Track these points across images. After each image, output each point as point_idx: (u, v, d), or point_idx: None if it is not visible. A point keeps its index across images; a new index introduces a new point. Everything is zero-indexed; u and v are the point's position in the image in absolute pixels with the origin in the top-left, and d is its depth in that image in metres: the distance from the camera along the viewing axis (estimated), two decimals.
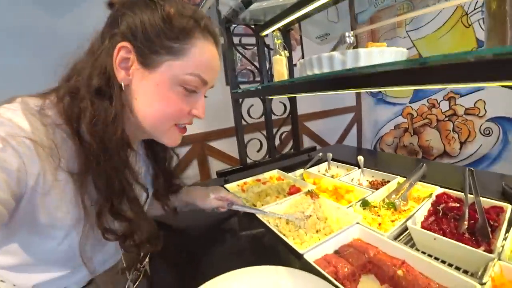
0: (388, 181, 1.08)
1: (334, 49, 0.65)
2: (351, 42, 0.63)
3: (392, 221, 0.79)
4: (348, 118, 3.03)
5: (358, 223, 0.76)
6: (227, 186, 1.13)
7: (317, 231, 0.75)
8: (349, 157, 1.36)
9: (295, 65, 0.75)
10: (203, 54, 0.52)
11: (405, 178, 1.00)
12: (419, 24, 2.36)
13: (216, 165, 2.17)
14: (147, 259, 0.73)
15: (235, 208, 0.88)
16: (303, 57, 2.67)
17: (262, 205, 0.93)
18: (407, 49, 0.63)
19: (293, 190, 1.00)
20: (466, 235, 0.67)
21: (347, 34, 0.63)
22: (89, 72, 0.49)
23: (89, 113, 0.47)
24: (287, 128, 1.48)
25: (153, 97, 0.51)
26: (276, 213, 0.85)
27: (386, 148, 2.89)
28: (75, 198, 0.48)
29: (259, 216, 0.87)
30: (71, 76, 0.52)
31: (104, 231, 0.50)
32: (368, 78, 0.53)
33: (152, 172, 0.72)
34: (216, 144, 2.15)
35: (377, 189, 1.01)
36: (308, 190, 0.96)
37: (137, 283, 0.67)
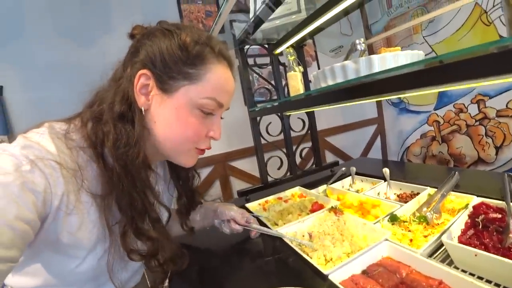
0: (418, 193, 1.01)
1: (346, 58, 0.64)
2: (362, 49, 0.61)
3: (425, 236, 0.73)
4: (370, 131, 2.95)
5: (387, 239, 0.71)
6: (249, 205, 1.11)
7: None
8: (374, 170, 1.30)
9: (311, 81, 0.75)
10: (218, 78, 0.54)
11: (436, 189, 0.94)
12: (436, 27, 2.30)
13: (238, 185, 2.16)
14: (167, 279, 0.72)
15: (250, 227, 0.87)
16: (318, 66, 2.67)
17: (284, 223, 0.90)
18: (427, 54, 0.61)
19: (316, 207, 0.96)
20: None
21: (357, 41, 0.62)
22: (112, 98, 0.53)
23: (112, 137, 0.49)
24: (307, 144, 1.45)
25: (172, 120, 0.53)
26: (285, 235, 0.83)
27: (413, 159, 2.76)
28: (97, 219, 0.50)
29: (281, 235, 0.83)
30: (94, 102, 0.55)
31: (129, 252, 0.52)
32: (383, 83, 0.51)
33: (174, 191, 0.75)
34: (237, 164, 2.15)
35: (406, 202, 0.95)
36: (332, 207, 0.92)
37: None
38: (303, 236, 0.81)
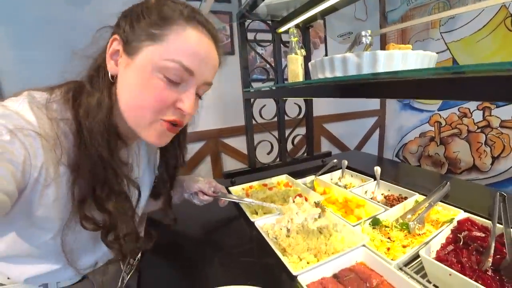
0: (406, 198, 0.99)
1: (349, 50, 0.58)
2: (368, 42, 0.55)
3: (404, 246, 0.72)
4: (370, 122, 2.89)
5: (364, 245, 0.69)
6: (232, 188, 1.08)
7: (315, 254, 0.69)
8: (366, 166, 1.27)
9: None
10: (185, 41, 0.50)
11: (424, 197, 0.91)
12: (456, 25, 2.18)
13: (229, 162, 2.14)
14: (138, 256, 0.73)
15: (220, 196, 0.87)
16: (325, 51, 2.56)
17: (265, 213, 0.88)
18: (440, 52, 0.55)
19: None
20: (489, 273, 0.58)
21: (363, 33, 0.55)
22: (90, 64, 0.53)
23: (84, 103, 0.49)
24: (301, 131, 1.41)
25: (134, 84, 0.50)
26: (255, 201, 0.84)
27: (409, 156, 2.74)
28: (68, 191, 0.48)
29: (258, 225, 0.81)
30: (80, 72, 0.54)
31: (83, 218, 0.50)
32: (386, 86, 0.46)
33: (161, 177, 0.74)
34: (230, 141, 2.11)
35: (391, 205, 0.93)
36: (315, 202, 0.90)
37: (129, 275, 0.68)
38: (281, 229, 0.78)
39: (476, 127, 2.11)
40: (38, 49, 1.47)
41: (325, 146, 2.62)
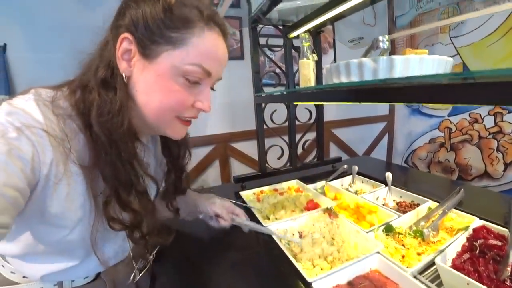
0: (418, 204, 0.98)
1: (365, 55, 0.58)
2: (386, 47, 0.55)
3: (419, 253, 0.71)
4: (379, 128, 2.88)
5: (378, 252, 0.69)
6: (243, 193, 1.08)
7: (326, 258, 0.69)
8: (376, 172, 1.26)
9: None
10: (204, 44, 0.50)
11: (437, 203, 0.90)
12: (465, 29, 2.16)
13: (237, 167, 2.14)
14: (154, 252, 0.72)
15: (237, 223, 0.83)
16: (335, 62, 2.56)
17: (276, 218, 0.88)
18: (450, 57, 0.55)
19: (311, 206, 0.93)
20: (508, 283, 0.57)
21: (380, 38, 0.56)
22: (97, 64, 0.51)
23: (96, 104, 0.48)
24: (311, 136, 1.41)
25: (154, 88, 0.50)
26: (274, 232, 0.80)
27: (418, 162, 2.71)
28: (85, 191, 0.49)
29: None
30: (84, 69, 0.53)
31: (110, 220, 0.51)
32: (403, 92, 0.46)
33: (165, 168, 0.73)
34: (239, 145, 2.12)
35: (404, 212, 0.92)
36: (327, 208, 0.89)
37: (142, 272, 0.67)
38: (293, 234, 0.78)
39: (488, 133, 2.08)
40: (52, 52, 1.50)
41: (334, 151, 2.61)
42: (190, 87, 0.52)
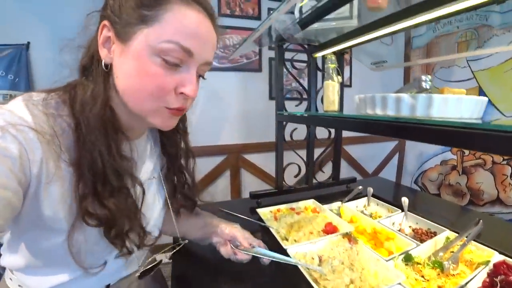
0: (435, 233, 0.98)
1: (401, 90, 0.59)
2: (428, 88, 0.56)
3: (439, 286, 0.71)
4: (390, 146, 2.88)
5: (400, 284, 0.69)
6: (260, 211, 1.09)
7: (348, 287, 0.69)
8: (391, 195, 1.26)
9: (356, 103, 0.70)
10: (182, 20, 0.46)
11: (455, 233, 0.90)
12: (483, 53, 2.17)
13: (248, 178, 2.15)
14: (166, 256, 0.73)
15: (259, 254, 0.72)
16: (350, 79, 2.58)
17: (295, 240, 0.88)
18: (467, 80, 0.56)
19: (329, 229, 0.93)
20: None
21: (423, 77, 0.56)
22: (83, 54, 0.52)
23: (79, 95, 0.48)
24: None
25: (131, 72, 0.48)
26: (298, 262, 0.75)
27: (428, 184, 2.69)
28: (73, 189, 0.47)
29: (290, 253, 0.82)
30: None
31: (85, 214, 0.48)
32: (443, 134, 0.47)
33: (166, 170, 0.70)
34: (251, 157, 2.14)
35: (421, 239, 0.92)
36: (346, 233, 0.90)
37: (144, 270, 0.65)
38: (313, 258, 0.79)
39: (502, 158, 2.07)
40: (72, 53, 1.54)
41: (344, 167, 2.61)
42: (170, 70, 0.48)
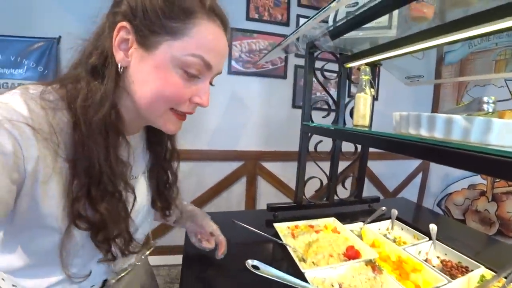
0: (467, 268, 0.89)
1: (455, 111, 0.52)
2: (491, 111, 0.49)
3: None
4: (413, 165, 2.75)
5: None
6: (277, 225, 1.03)
7: None
8: (416, 218, 1.18)
9: (395, 121, 0.64)
10: (206, 35, 0.48)
11: (491, 272, 0.81)
12: None
13: (264, 187, 2.10)
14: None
15: (275, 276, 0.67)
16: (377, 92, 2.49)
17: (313, 262, 0.82)
18: (504, 101, 0.48)
19: (351, 254, 0.86)
20: None
21: (485, 99, 0.49)
22: (90, 51, 0.49)
23: (83, 93, 0.46)
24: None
25: (151, 79, 0.48)
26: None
27: (453, 208, 2.54)
28: (68, 188, 0.46)
29: (308, 277, 0.75)
30: (78, 61, 0.51)
31: (76, 217, 0.47)
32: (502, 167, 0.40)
33: (150, 164, 0.69)
34: (268, 165, 2.08)
35: (451, 274, 0.84)
36: (371, 260, 0.82)
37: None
38: (332, 286, 0.72)
39: None
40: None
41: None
42: (188, 81, 0.49)
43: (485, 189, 2.31)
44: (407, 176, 2.73)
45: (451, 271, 0.90)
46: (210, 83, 0.55)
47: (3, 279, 0.54)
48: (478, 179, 2.37)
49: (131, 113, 0.53)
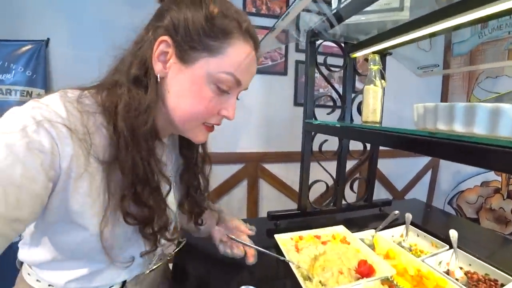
0: (496, 282, 0.78)
1: (499, 99, 0.41)
2: None
3: None
4: (422, 162, 2.62)
5: None
6: (279, 237, 0.92)
7: None
8: (432, 222, 1.06)
9: (416, 116, 0.53)
10: (240, 55, 0.52)
11: None
12: None
13: (266, 190, 2.00)
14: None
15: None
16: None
17: (320, 282, 0.71)
18: None
19: (364, 270, 0.75)
20: None
21: None
22: (130, 61, 0.52)
23: (124, 99, 0.49)
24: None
25: (186, 91, 0.52)
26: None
27: (465, 206, 2.42)
28: (105, 187, 0.49)
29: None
30: (114, 68, 0.55)
31: (125, 215, 0.51)
32: None
33: (181, 168, 0.73)
34: (270, 167, 1.98)
35: None
36: (387, 279, 0.71)
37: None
38: None
39: None
40: (94, 50, 1.47)
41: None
42: (219, 95, 0.54)
43: (499, 186, 2.19)
44: (416, 174, 2.61)
45: (478, 285, 0.79)
46: (237, 98, 0.59)
47: (28, 274, 0.58)
48: (491, 175, 2.25)
49: (162, 121, 0.57)
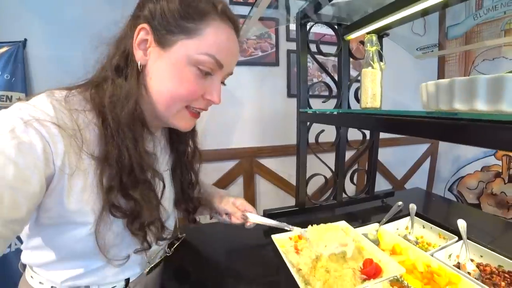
0: (510, 273, 0.72)
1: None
2: None
3: None
4: (421, 150, 2.57)
5: None
6: (276, 237, 0.85)
7: None
8: (436, 212, 1.00)
9: (423, 95, 0.46)
10: (218, 36, 0.53)
11: None
12: None
13: (263, 186, 1.93)
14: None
15: (251, 220, 0.79)
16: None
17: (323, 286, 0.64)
18: None
19: (370, 270, 0.69)
20: None
21: None
22: (114, 52, 0.54)
23: (109, 91, 0.51)
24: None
25: (167, 76, 0.52)
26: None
27: (466, 192, 2.38)
28: (98, 182, 0.49)
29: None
30: (104, 65, 0.55)
31: (111, 207, 0.51)
32: None
33: (173, 167, 0.73)
34: (266, 161, 1.91)
35: (494, 284, 0.68)
36: (396, 279, 0.65)
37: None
38: None
39: None
40: (74, 50, 1.39)
41: None
42: (201, 78, 0.54)
43: (500, 170, 2.15)
44: (415, 162, 2.56)
45: (493, 278, 0.74)
46: (222, 83, 0.60)
47: (31, 277, 0.58)
48: (492, 160, 2.21)
49: (149, 111, 0.56)
